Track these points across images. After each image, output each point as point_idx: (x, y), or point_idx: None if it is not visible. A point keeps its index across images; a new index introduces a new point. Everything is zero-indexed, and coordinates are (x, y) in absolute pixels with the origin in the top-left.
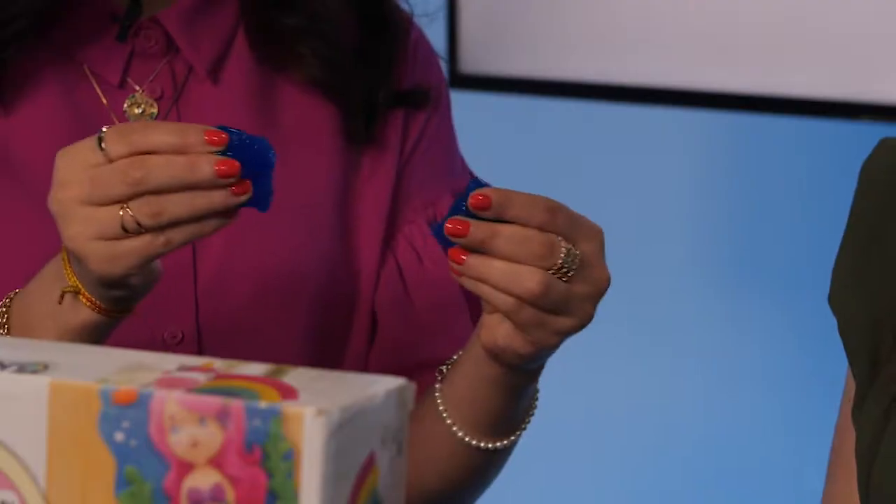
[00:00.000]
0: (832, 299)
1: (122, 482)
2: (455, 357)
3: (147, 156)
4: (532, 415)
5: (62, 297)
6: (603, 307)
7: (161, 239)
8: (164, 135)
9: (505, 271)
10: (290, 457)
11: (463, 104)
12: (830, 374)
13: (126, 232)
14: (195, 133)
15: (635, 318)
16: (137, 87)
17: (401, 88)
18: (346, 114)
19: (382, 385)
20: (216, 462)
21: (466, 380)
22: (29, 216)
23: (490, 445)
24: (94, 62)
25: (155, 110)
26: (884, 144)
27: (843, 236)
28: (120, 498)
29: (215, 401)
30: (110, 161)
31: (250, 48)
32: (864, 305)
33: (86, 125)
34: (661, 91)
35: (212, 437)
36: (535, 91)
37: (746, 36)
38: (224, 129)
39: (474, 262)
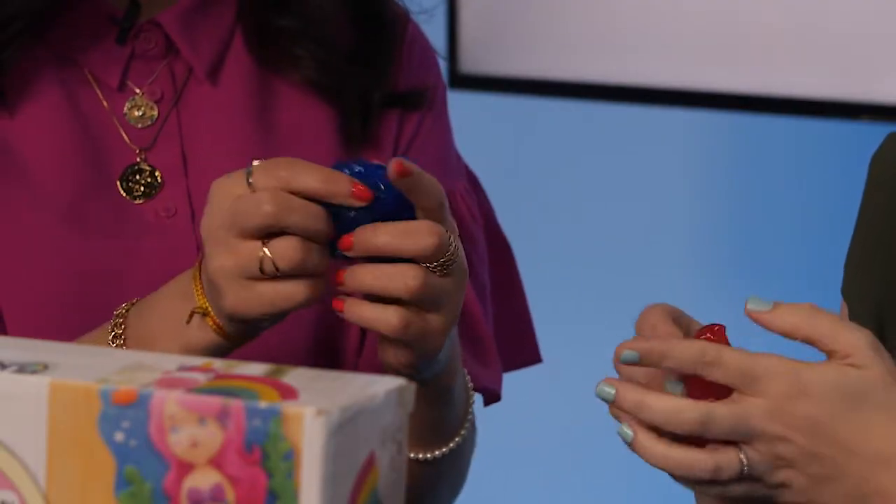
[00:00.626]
0: (844, 289)
1: (122, 482)
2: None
3: (287, 194)
4: (469, 419)
5: (191, 316)
6: (603, 307)
7: (302, 296)
8: (311, 179)
9: (382, 274)
10: (290, 457)
11: (463, 104)
12: None
13: (263, 274)
14: (344, 184)
15: (634, 317)
16: (137, 90)
17: (397, 87)
18: (343, 114)
19: (382, 385)
20: (216, 462)
21: None
22: (31, 216)
23: (427, 456)
24: (93, 65)
25: (155, 113)
26: (892, 138)
27: (855, 227)
28: (120, 498)
29: (215, 401)
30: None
31: (248, 50)
32: (872, 295)
33: (86, 127)
34: (661, 91)
35: (212, 437)
36: (535, 91)
37: (746, 36)
38: (372, 175)
39: (357, 273)
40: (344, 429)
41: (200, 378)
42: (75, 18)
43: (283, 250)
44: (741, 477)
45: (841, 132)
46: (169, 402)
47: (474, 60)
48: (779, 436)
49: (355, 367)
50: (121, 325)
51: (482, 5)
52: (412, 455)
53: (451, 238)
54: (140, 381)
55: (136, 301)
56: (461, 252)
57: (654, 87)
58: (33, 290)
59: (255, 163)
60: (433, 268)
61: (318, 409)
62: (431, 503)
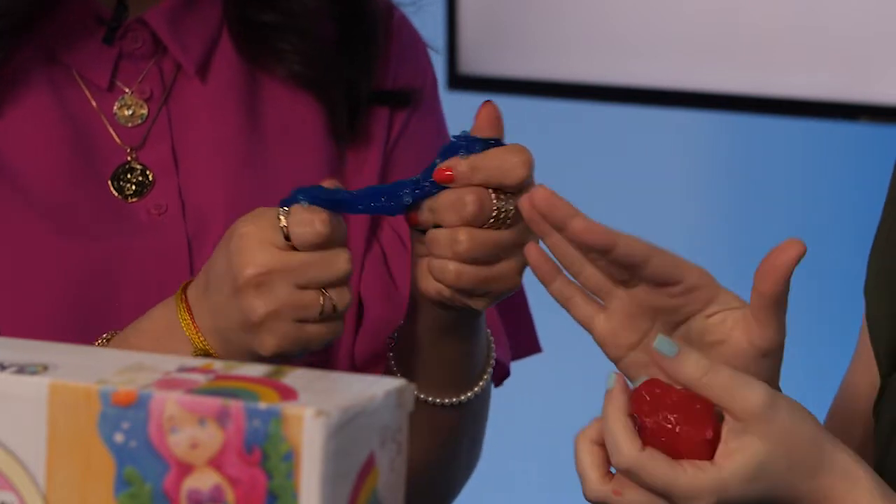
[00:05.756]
0: (866, 290)
1: (122, 483)
2: (401, 323)
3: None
4: (490, 367)
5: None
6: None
7: (339, 332)
8: (325, 225)
9: (431, 240)
10: (290, 457)
11: (462, 105)
12: (829, 373)
13: (319, 317)
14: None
15: None
16: (126, 89)
17: (385, 80)
18: (330, 109)
19: (381, 386)
20: (216, 463)
21: (413, 334)
22: (21, 219)
23: (450, 400)
24: (81, 65)
25: (144, 111)
26: None
27: (878, 227)
28: (119, 499)
29: (215, 402)
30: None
31: (235, 46)
32: (890, 297)
33: (75, 128)
34: (660, 91)
35: (211, 437)
36: (535, 92)
37: (746, 36)
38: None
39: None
40: (343, 429)
41: (200, 379)
42: (62, 18)
43: (341, 295)
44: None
45: (840, 133)
46: (169, 402)
47: (474, 61)
48: None
49: (351, 351)
50: None
51: (482, 5)
52: (439, 401)
53: (500, 199)
54: (140, 381)
55: (116, 333)
56: (515, 203)
57: (654, 88)
58: (26, 294)
59: (285, 212)
60: (487, 226)
61: (317, 410)
62: (453, 459)
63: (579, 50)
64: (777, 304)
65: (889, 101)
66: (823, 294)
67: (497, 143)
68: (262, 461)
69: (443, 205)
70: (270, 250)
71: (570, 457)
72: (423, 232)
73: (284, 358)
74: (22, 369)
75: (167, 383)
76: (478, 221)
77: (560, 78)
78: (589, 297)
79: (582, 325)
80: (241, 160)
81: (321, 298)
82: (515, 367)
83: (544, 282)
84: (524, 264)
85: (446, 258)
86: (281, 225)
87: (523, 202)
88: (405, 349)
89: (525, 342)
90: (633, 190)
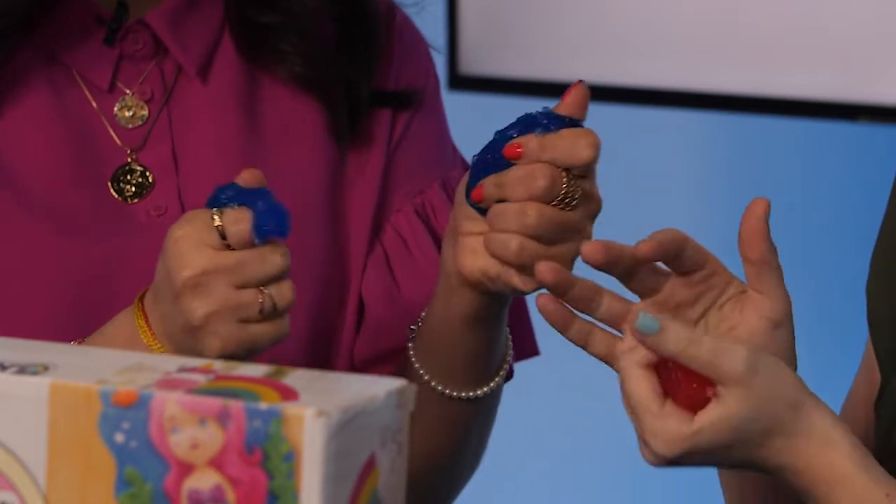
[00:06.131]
0: (867, 290)
1: (123, 483)
2: (424, 313)
3: (286, 249)
4: (507, 364)
5: None
6: None
7: (286, 330)
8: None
9: (501, 212)
10: (291, 458)
11: (462, 105)
12: (830, 373)
13: (260, 315)
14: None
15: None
16: (127, 91)
17: (386, 80)
18: (330, 110)
19: (382, 386)
20: (216, 463)
21: (436, 322)
22: (20, 220)
23: (467, 394)
24: (82, 66)
25: (145, 112)
26: None
27: (881, 226)
28: (120, 499)
29: (215, 402)
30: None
31: (236, 47)
32: (891, 297)
33: (75, 129)
34: (661, 91)
35: (212, 438)
36: (535, 92)
37: (746, 36)
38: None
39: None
40: (344, 430)
41: (201, 379)
42: (62, 19)
43: (281, 292)
44: None
45: (840, 133)
46: (169, 402)
47: (474, 61)
48: None
49: (351, 350)
50: None
51: (482, 6)
52: (456, 394)
53: (568, 178)
54: (140, 382)
55: (82, 341)
56: (585, 186)
57: (654, 88)
58: (26, 294)
59: (217, 212)
60: (554, 204)
61: (318, 410)
62: (460, 457)
63: (579, 50)
64: (770, 267)
65: (889, 101)
66: (823, 294)
67: (573, 122)
68: (263, 461)
69: (512, 179)
70: (205, 251)
71: (568, 458)
72: (481, 211)
73: (234, 359)
74: (22, 369)
75: (167, 383)
76: (546, 198)
77: (560, 78)
78: (605, 331)
79: (604, 361)
80: (241, 161)
81: (260, 297)
82: (515, 368)
83: (562, 328)
84: (577, 253)
85: (511, 231)
86: (215, 224)
87: (587, 256)
88: (428, 339)
89: (524, 345)
90: (633, 190)
